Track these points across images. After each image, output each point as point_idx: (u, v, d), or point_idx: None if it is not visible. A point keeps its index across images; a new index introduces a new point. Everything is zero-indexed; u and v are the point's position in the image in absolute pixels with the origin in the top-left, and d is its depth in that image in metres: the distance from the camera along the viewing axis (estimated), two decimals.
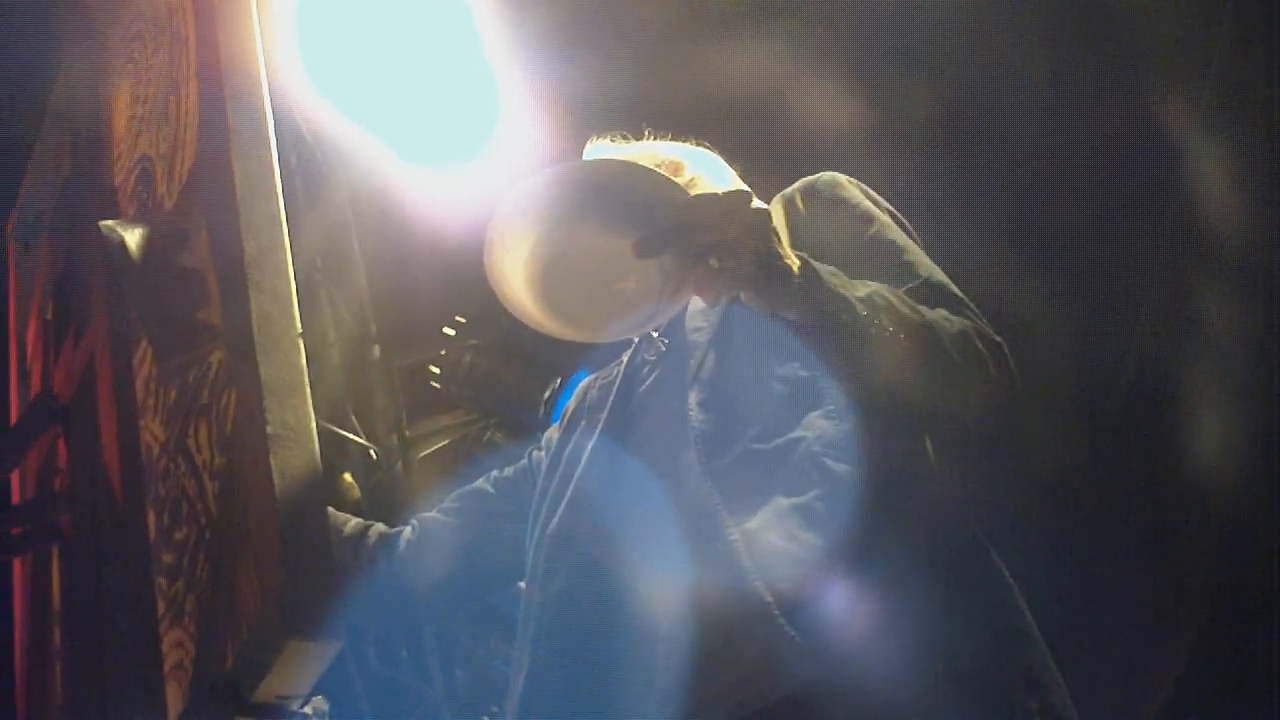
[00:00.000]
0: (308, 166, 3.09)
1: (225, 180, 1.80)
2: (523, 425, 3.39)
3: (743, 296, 1.76)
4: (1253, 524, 3.00)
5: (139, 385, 2.01)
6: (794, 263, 1.75)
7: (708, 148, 2.22)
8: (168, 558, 1.90)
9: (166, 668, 1.83)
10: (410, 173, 3.11)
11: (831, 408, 1.82)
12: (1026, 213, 3.09)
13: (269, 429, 1.65)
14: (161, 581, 1.89)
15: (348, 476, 3.24)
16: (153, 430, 1.99)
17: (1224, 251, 3.01)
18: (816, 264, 1.77)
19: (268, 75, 1.91)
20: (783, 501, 1.77)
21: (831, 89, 2.95)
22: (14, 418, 2.50)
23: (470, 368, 3.38)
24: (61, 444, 2.19)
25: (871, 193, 2.04)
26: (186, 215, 1.90)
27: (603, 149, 2.20)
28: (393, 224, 3.34)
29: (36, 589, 2.29)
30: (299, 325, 1.75)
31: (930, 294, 1.89)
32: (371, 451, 3.31)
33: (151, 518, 1.93)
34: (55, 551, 2.24)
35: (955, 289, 1.93)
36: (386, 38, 2.80)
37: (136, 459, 1.96)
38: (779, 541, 1.74)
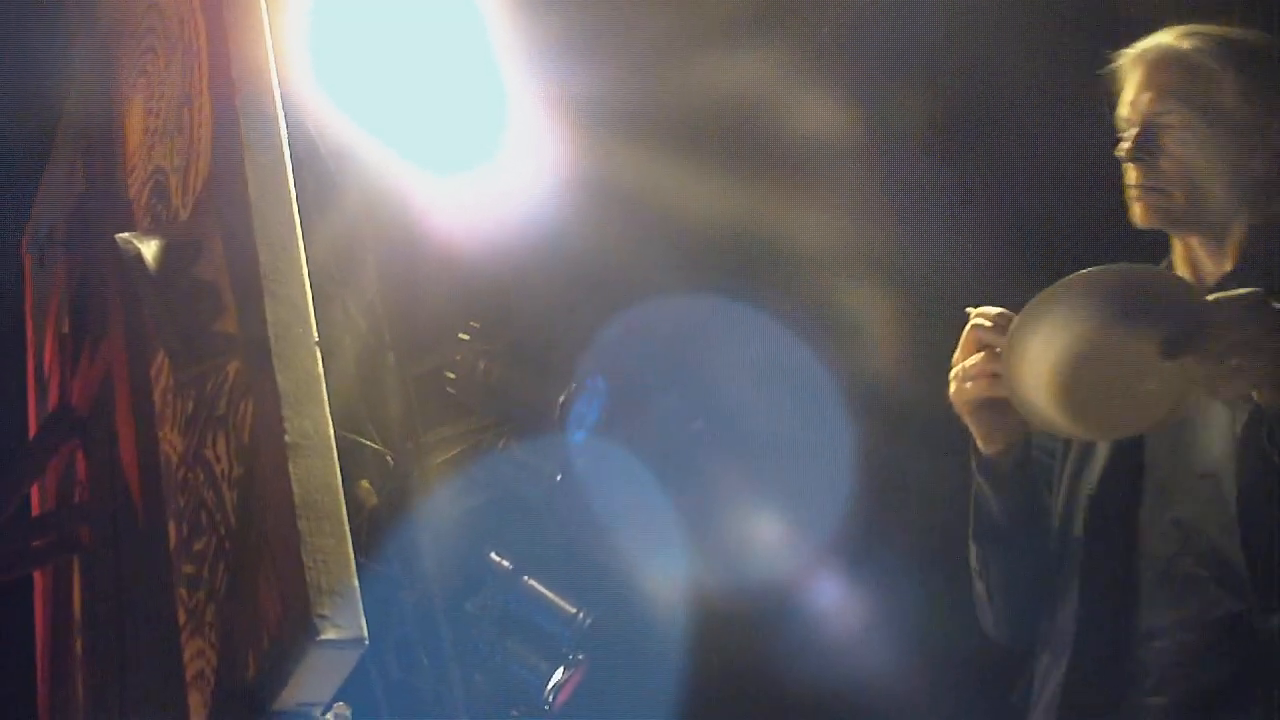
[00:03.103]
0: (320, 175, 3.11)
1: (239, 191, 1.81)
2: (537, 431, 3.40)
3: (1256, 396, 1.81)
4: None
5: (156, 396, 2.02)
6: None
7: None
8: (188, 568, 1.90)
9: (188, 677, 1.83)
10: (423, 180, 3.12)
11: None
12: (1031, 215, 3.08)
13: (287, 438, 1.66)
14: (182, 592, 1.90)
15: (364, 484, 3.25)
16: (171, 441, 2.00)
17: None
18: None
19: (280, 85, 1.92)
20: None
21: (838, 94, 2.95)
22: (32, 431, 2.51)
23: (485, 374, 3.39)
24: (80, 456, 2.20)
25: None
26: (201, 226, 1.91)
27: (1210, 38, 2.08)
28: (406, 231, 3.35)
29: (57, 601, 2.30)
30: (315, 333, 1.76)
31: None
32: (387, 458, 3.32)
33: (171, 528, 1.94)
34: (75, 563, 2.25)
35: None
36: (397, 45, 2.80)
37: (155, 470, 1.97)
38: None
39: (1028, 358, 1.86)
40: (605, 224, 3.19)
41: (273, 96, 1.90)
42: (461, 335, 3.48)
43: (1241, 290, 1.82)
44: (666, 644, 3.26)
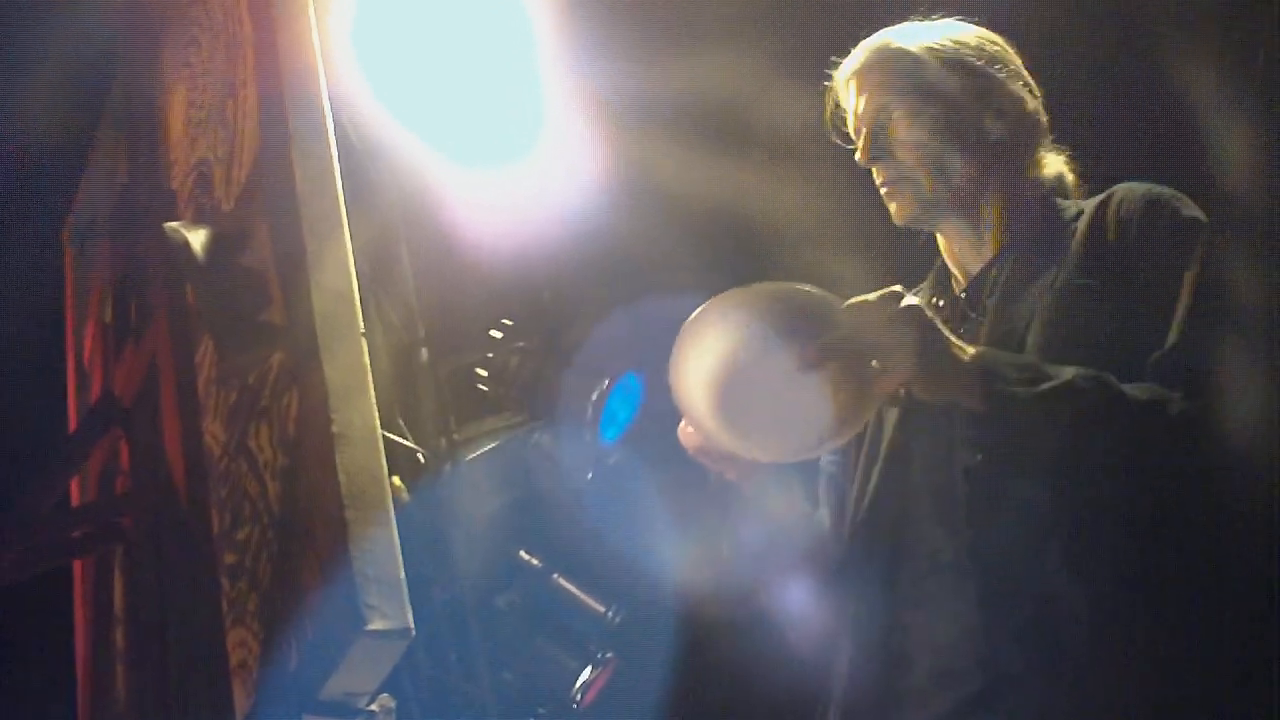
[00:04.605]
0: (356, 170, 3.11)
1: (287, 181, 1.81)
2: (569, 429, 3.40)
3: (914, 392, 1.83)
4: None
5: (200, 387, 2.03)
6: (964, 352, 1.81)
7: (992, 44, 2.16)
8: (230, 558, 1.91)
9: (230, 666, 1.84)
10: (458, 176, 3.12)
11: None
12: None
13: (334, 428, 1.66)
14: (224, 581, 1.90)
15: (396, 480, 3.25)
16: (214, 432, 2.01)
17: (1272, 247, 2.98)
18: (992, 351, 1.84)
19: (325, 77, 1.93)
20: None
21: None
22: (72, 419, 2.52)
23: (517, 370, 3.39)
24: (123, 446, 2.21)
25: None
26: (247, 217, 1.91)
27: (905, 31, 2.15)
28: (440, 228, 3.35)
29: (98, 591, 2.31)
30: (362, 324, 1.76)
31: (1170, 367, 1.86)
32: (420, 455, 3.32)
33: (214, 518, 1.94)
34: (117, 553, 2.25)
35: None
36: (434, 41, 2.81)
37: (199, 460, 1.97)
38: None
39: (686, 388, 1.88)
40: (640, 222, 3.18)
41: (319, 88, 1.90)
42: (494, 332, 3.48)
43: (874, 293, 1.84)
44: (683, 644, 3.25)
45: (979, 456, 1.89)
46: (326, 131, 1.87)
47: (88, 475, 2.39)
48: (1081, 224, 1.99)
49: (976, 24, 2.14)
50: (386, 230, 3.37)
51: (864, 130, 2.09)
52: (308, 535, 1.70)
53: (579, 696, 3.00)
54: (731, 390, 1.87)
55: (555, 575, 3.10)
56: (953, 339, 1.83)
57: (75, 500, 2.42)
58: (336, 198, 1.83)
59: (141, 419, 2.12)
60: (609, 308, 3.34)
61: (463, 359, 3.51)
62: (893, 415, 2.02)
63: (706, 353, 1.87)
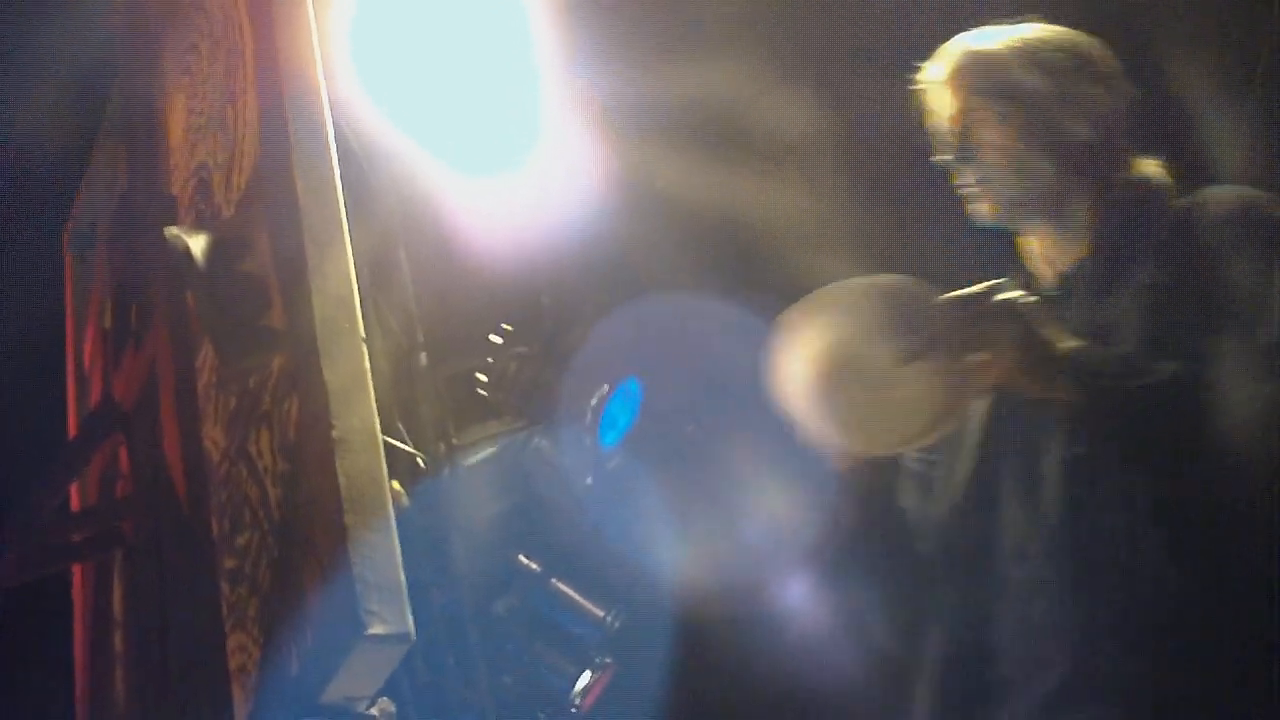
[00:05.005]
0: (355, 175, 3.12)
1: (287, 187, 1.82)
2: (568, 434, 3.40)
3: (1012, 386, 1.85)
4: None
5: (199, 391, 2.03)
6: (1065, 346, 1.84)
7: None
8: (230, 562, 1.91)
9: (230, 671, 1.84)
10: (458, 182, 3.12)
11: None
12: None
13: (335, 433, 1.66)
14: (224, 586, 1.91)
15: (395, 484, 3.25)
16: (214, 437, 2.01)
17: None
18: (1091, 345, 1.86)
19: (325, 82, 1.93)
20: None
21: (885, 99, 2.94)
22: (72, 424, 2.52)
23: (516, 375, 3.39)
24: (123, 451, 2.21)
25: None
26: (247, 222, 1.92)
27: (990, 33, 2.16)
28: (439, 232, 3.35)
29: (97, 595, 2.31)
30: (362, 329, 1.76)
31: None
32: (419, 459, 3.32)
33: (213, 523, 1.94)
34: (116, 558, 2.26)
35: None
36: (434, 47, 2.81)
37: (199, 465, 1.98)
38: None
39: (787, 382, 1.92)
40: (639, 227, 3.19)
41: (319, 93, 1.91)
42: (493, 337, 3.48)
43: (973, 288, 1.86)
44: (683, 646, 3.26)
45: (1079, 449, 1.90)
46: (327, 137, 1.88)
47: (88, 480, 2.39)
48: (1173, 225, 2.01)
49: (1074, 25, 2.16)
50: (386, 236, 3.37)
51: (949, 132, 2.11)
52: (308, 540, 1.70)
53: (578, 701, 3.00)
54: (832, 385, 1.90)
55: (554, 580, 3.10)
56: (1054, 333, 1.85)
57: (75, 505, 2.43)
58: (337, 204, 1.84)
59: (141, 424, 2.12)
60: (608, 313, 3.35)
61: (462, 364, 3.51)
62: (978, 408, 2.05)
63: (808, 346, 1.90)
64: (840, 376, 1.89)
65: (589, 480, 3.28)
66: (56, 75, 2.53)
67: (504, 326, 3.49)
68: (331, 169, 1.85)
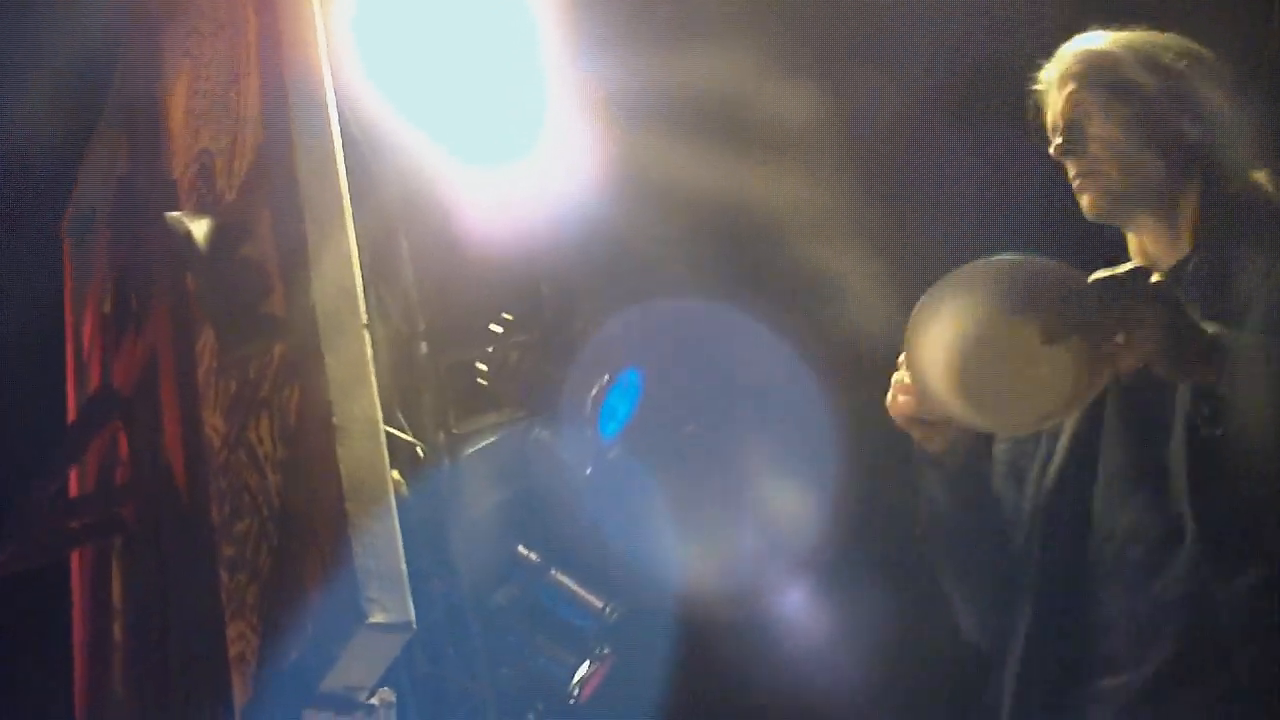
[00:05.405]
0: (357, 162, 3.10)
1: (289, 172, 1.81)
2: (569, 425, 3.39)
3: (1154, 368, 1.85)
4: None
5: (200, 377, 2.02)
6: (1205, 329, 1.84)
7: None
8: (229, 550, 1.90)
9: (229, 659, 1.83)
10: (459, 170, 3.11)
11: None
12: (1061, 209, 3.08)
13: (335, 420, 1.66)
14: (224, 574, 1.90)
15: (395, 473, 3.23)
16: (214, 423, 2.00)
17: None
18: (1230, 329, 1.87)
19: (328, 67, 1.92)
20: None
21: (888, 89, 2.94)
22: (71, 410, 2.51)
23: (517, 365, 3.38)
24: (122, 437, 2.20)
25: None
26: (249, 207, 1.91)
27: (1103, 35, 2.20)
28: (440, 221, 3.34)
29: (96, 583, 2.30)
30: (364, 316, 1.75)
31: None
32: (419, 449, 3.31)
33: (213, 510, 1.93)
34: (115, 545, 2.25)
35: None
36: (437, 35, 2.80)
37: (199, 452, 1.97)
38: None
39: (924, 358, 1.92)
40: (641, 217, 3.18)
41: (323, 78, 1.90)
42: (494, 327, 3.47)
43: (1121, 268, 1.86)
44: (682, 640, 3.25)
45: (1218, 431, 1.89)
46: (329, 123, 1.87)
47: (87, 466, 2.38)
48: (1277, 226, 2.05)
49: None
50: (387, 223, 3.36)
51: (1060, 125, 2.14)
52: (308, 528, 1.69)
53: (576, 692, 3.00)
54: (972, 362, 1.90)
55: (553, 570, 3.10)
56: (1196, 317, 1.86)
57: (74, 491, 2.41)
58: (339, 190, 1.83)
59: (141, 410, 2.11)
60: (609, 303, 3.34)
61: (463, 353, 3.50)
62: None
63: (948, 323, 1.90)
64: (983, 355, 1.90)
65: (589, 471, 3.28)
66: (58, 60, 2.51)
67: (505, 316, 3.48)
68: (334, 155, 1.85)
